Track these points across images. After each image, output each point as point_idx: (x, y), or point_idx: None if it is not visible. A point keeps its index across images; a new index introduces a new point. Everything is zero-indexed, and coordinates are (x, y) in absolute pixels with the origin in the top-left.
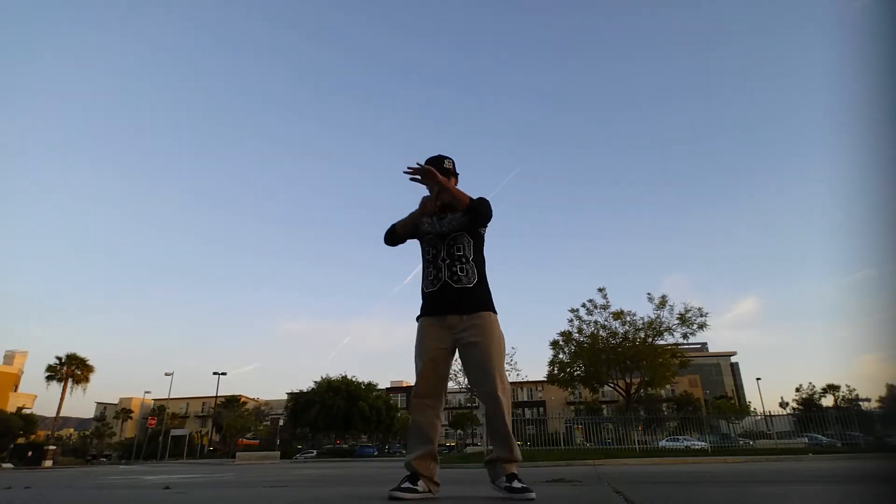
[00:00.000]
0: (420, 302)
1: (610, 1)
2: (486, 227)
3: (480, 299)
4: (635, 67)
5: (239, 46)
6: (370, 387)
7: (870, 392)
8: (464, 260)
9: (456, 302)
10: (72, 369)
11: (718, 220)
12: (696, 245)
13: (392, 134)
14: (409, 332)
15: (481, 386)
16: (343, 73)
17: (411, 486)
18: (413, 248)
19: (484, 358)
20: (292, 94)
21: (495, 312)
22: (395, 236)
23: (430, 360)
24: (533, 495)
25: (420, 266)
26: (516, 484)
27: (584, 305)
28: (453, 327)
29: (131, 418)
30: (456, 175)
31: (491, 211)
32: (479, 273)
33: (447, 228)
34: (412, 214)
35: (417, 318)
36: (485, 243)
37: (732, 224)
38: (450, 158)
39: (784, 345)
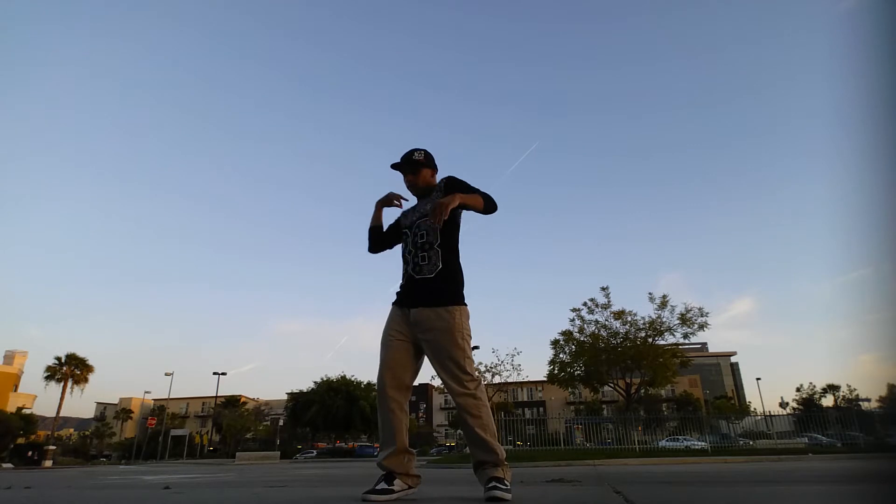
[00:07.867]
0: None
1: (614, 5)
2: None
3: (443, 291)
4: (633, 70)
5: (235, 46)
6: (370, 387)
7: (870, 392)
8: (427, 247)
9: (417, 294)
10: (71, 369)
11: (715, 220)
12: (691, 245)
13: (391, 134)
14: None
15: (446, 388)
16: (342, 74)
17: (387, 486)
18: None
19: (439, 359)
20: (290, 96)
21: (460, 304)
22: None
23: (391, 350)
24: (500, 494)
25: None
26: (491, 483)
27: (585, 304)
28: (416, 323)
29: (131, 418)
30: (433, 168)
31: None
32: (445, 259)
33: (411, 220)
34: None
35: None
36: (459, 226)
37: (728, 224)
38: (421, 150)
39: (783, 345)
